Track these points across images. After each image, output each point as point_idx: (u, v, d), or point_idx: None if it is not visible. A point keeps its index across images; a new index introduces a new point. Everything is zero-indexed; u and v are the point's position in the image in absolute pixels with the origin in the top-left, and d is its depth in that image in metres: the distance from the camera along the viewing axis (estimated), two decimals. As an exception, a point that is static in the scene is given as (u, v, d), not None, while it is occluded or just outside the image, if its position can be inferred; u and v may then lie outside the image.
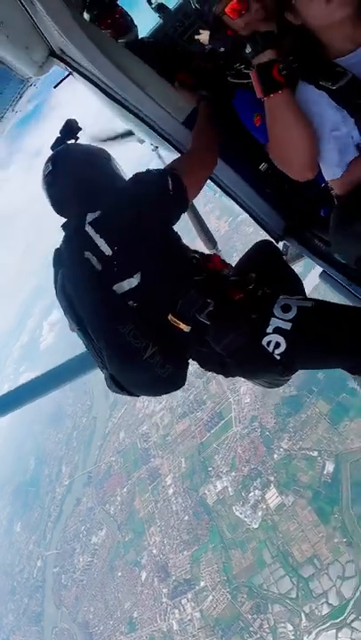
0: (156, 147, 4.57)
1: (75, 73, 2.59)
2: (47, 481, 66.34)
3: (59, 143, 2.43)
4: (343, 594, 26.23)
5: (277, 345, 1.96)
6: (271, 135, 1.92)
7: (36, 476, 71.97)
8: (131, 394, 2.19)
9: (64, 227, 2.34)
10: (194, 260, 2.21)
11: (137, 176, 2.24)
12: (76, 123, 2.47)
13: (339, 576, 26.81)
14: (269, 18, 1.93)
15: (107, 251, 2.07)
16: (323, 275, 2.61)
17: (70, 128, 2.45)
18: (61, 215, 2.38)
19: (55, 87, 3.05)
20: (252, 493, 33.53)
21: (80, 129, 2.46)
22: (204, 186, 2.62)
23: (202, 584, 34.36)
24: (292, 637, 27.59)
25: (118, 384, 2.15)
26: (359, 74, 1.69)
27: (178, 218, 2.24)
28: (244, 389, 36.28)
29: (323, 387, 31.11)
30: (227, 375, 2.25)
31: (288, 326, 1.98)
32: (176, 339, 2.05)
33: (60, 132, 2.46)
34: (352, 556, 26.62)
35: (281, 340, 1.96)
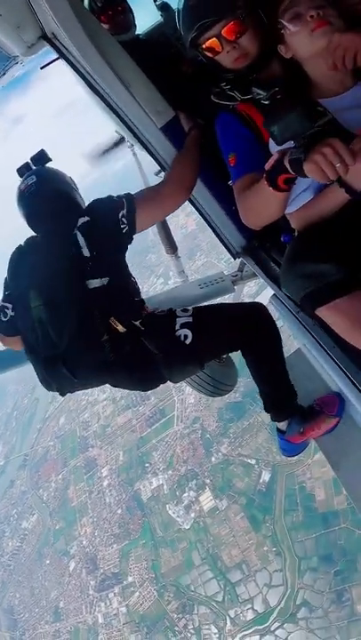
0: (132, 144, 4.58)
1: (62, 59, 2.58)
2: (-18, 459, 64.70)
3: (26, 168, 2.66)
4: (269, 601, 26.76)
5: (185, 337, 2.37)
6: (250, 195, 1.98)
7: (-30, 452, 70.05)
8: (72, 375, 2.37)
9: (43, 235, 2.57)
10: (136, 284, 2.58)
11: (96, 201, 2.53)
12: (47, 154, 2.70)
13: (266, 584, 27.36)
14: (248, 56, 2.02)
15: (86, 252, 2.34)
16: (273, 297, 2.67)
17: (41, 157, 2.68)
18: (35, 227, 2.58)
19: (42, 68, 3.06)
20: (187, 494, 33.78)
21: (50, 160, 2.69)
22: None
23: (130, 579, 34.34)
24: (216, 640, 27.91)
25: (64, 362, 2.34)
26: (341, 118, 1.66)
27: (126, 243, 2.51)
28: (189, 390, 36.34)
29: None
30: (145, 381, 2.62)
31: (191, 319, 2.42)
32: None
33: (31, 159, 2.68)
34: (280, 565, 27.19)
35: (188, 332, 2.38)
